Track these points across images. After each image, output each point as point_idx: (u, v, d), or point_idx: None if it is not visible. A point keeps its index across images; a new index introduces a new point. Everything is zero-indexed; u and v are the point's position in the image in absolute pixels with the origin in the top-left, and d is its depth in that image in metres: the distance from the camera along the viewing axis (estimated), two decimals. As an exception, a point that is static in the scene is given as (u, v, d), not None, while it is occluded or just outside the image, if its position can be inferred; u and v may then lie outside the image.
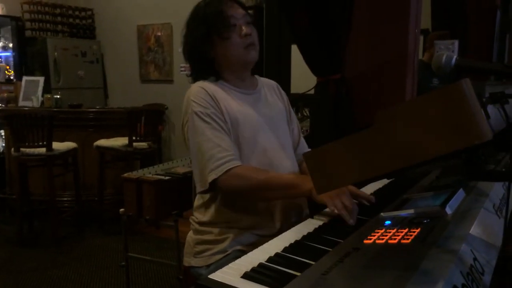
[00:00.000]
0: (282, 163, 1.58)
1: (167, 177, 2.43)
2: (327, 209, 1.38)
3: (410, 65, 2.15)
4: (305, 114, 3.63)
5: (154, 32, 6.18)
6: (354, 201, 1.37)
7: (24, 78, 5.03)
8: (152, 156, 4.40)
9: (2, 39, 6.02)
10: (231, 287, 0.86)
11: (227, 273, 0.92)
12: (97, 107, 5.33)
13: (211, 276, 0.89)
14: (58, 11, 6.44)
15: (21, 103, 4.84)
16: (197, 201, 1.61)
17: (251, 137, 1.52)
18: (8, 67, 5.86)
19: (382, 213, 1.15)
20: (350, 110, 2.33)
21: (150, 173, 2.51)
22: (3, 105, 4.96)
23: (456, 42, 1.17)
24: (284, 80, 1.79)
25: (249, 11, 1.60)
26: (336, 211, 1.29)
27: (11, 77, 5.72)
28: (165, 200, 2.41)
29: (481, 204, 1.23)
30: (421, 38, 3.39)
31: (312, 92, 2.48)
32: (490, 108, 0.90)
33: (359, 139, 0.86)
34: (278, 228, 1.51)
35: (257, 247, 1.10)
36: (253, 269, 0.93)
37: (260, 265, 0.96)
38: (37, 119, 3.74)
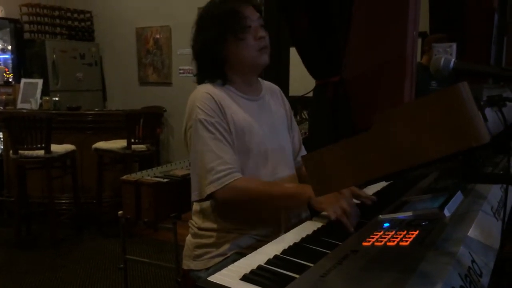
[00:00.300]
0: (283, 171, 1.59)
1: (165, 180, 2.43)
2: (325, 212, 1.38)
3: (409, 68, 2.16)
4: (303, 116, 3.64)
5: (152, 35, 6.19)
6: (356, 201, 1.37)
7: (23, 80, 5.03)
8: (150, 159, 4.39)
9: (1, 42, 6.02)
10: (230, 290, 0.87)
11: (226, 275, 0.92)
12: (96, 109, 5.34)
13: (210, 279, 0.90)
14: (56, 13, 6.44)
15: (19, 105, 4.84)
16: (195, 206, 1.61)
17: (255, 147, 1.51)
18: (6, 70, 5.86)
19: (380, 216, 1.16)
20: (349, 112, 2.33)
21: (148, 175, 2.51)
22: (2, 108, 4.96)
23: (454, 45, 1.18)
24: (282, 83, 1.79)
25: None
26: (334, 217, 1.28)
27: (10, 80, 5.72)
28: (163, 202, 2.40)
29: (479, 207, 1.24)
30: (419, 41, 3.40)
31: (310, 94, 2.48)
32: (488, 111, 0.91)
33: (358, 141, 0.87)
34: (277, 231, 1.51)
35: (256, 250, 1.11)
36: (252, 271, 0.94)
37: (259, 267, 0.96)
38: (36, 121, 3.73)
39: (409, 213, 1.09)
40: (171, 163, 2.93)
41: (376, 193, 1.61)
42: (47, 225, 3.98)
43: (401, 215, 1.10)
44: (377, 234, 1.03)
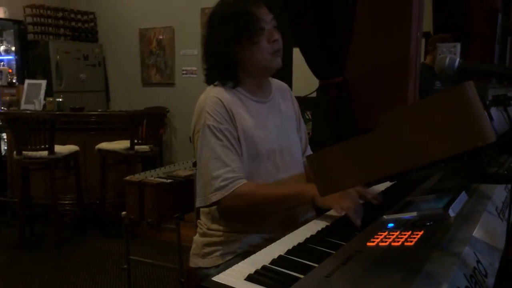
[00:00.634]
0: (293, 170, 1.60)
1: (169, 180, 2.43)
2: (330, 212, 1.38)
3: (412, 68, 2.16)
4: (307, 117, 3.63)
5: (156, 36, 6.19)
6: (360, 201, 1.38)
7: (26, 81, 5.05)
8: (153, 159, 4.40)
9: (5, 43, 6.04)
10: (235, 290, 0.86)
11: (231, 276, 0.92)
12: (99, 110, 5.34)
13: (215, 279, 0.89)
14: (60, 14, 6.45)
15: (23, 106, 4.85)
16: (203, 208, 1.61)
17: (264, 151, 1.51)
18: (10, 71, 5.87)
19: (385, 216, 1.15)
20: (352, 113, 2.33)
21: (152, 176, 2.51)
22: (5, 109, 4.97)
23: (459, 45, 1.17)
24: (285, 83, 1.80)
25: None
26: (342, 213, 1.28)
27: (14, 81, 5.73)
28: (166, 203, 2.41)
29: (484, 207, 1.23)
30: (423, 41, 3.40)
31: (314, 95, 2.48)
32: (493, 111, 0.91)
33: (362, 141, 0.86)
34: (286, 231, 1.51)
35: (261, 250, 1.11)
36: (256, 272, 0.93)
37: (264, 267, 0.96)
38: (39, 122, 3.74)
39: (414, 214, 1.09)
40: (174, 163, 2.94)
41: (381, 193, 1.61)
42: (50, 226, 3.98)
43: (405, 215, 1.10)
44: (381, 235, 1.03)
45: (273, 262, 0.99)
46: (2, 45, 5.99)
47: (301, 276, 0.90)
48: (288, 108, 1.69)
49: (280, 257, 1.03)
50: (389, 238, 1.00)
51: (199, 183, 1.46)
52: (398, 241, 0.96)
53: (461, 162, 1.32)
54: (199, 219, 1.66)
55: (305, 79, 2.65)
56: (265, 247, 1.12)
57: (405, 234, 0.99)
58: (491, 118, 0.78)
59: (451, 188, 1.28)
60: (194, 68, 5.90)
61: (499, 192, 1.41)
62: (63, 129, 4.22)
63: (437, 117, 0.75)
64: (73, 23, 6.59)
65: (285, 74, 1.66)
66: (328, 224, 1.30)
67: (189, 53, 5.92)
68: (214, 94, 1.49)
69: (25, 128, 3.72)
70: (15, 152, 3.81)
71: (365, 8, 2.26)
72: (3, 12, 5.79)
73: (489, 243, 1.05)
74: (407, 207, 1.22)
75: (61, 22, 6.49)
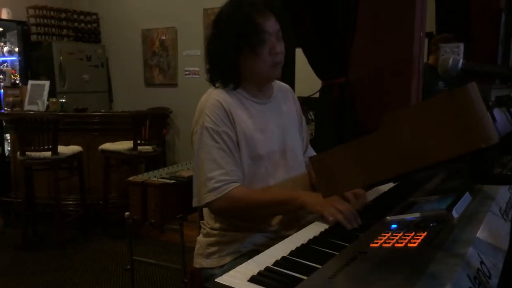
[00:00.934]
0: (295, 171, 1.60)
1: (172, 181, 2.43)
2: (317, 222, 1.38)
3: (415, 68, 2.15)
4: (310, 117, 3.63)
5: (158, 36, 6.20)
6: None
7: (30, 82, 5.06)
8: (156, 160, 4.40)
9: (8, 44, 6.05)
10: (238, 291, 0.87)
11: (234, 277, 0.92)
12: (102, 111, 5.35)
13: (218, 280, 0.90)
14: (63, 15, 6.47)
15: (26, 107, 4.86)
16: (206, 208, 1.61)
17: (265, 153, 1.52)
18: (14, 71, 5.88)
19: (388, 217, 1.15)
20: (355, 113, 2.32)
21: (155, 176, 2.51)
22: (9, 109, 4.98)
23: (462, 45, 1.17)
24: (288, 83, 1.79)
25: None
26: (331, 218, 1.28)
27: (17, 81, 5.74)
28: (170, 203, 2.41)
29: (487, 208, 1.23)
30: (426, 41, 3.39)
31: (317, 95, 2.48)
32: (496, 112, 0.91)
33: (365, 142, 0.86)
34: (290, 230, 1.51)
35: (264, 251, 1.11)
36: (260, 273, 0.94)
37: (267, 268, 0.96)
38: (43, 123, 3.75)
39: (417, 214, 1.09)
40: (177, 164, 2.94)
41: (383, 194, 1.61)
42: (53, 226, 3.99)
43: (409, 216, 1.10)
44: (385, 236, 1.03)
45: (276, 263, 0.99)
46: (5, 46, 6.01)
47: (304, 277, 0.90)
48: (290, 109, 1.69)
49: (283, 258, 1.03)
50: (393, 239, 1.00)
51: (195, 183, 1.49)
52: (402, 242, 0.96)
53: (465, 163, 1.32)
54: (203, 220, 1.66)
55: (308, 80, 2.65)
56: (270, 245, 1.12)
57: (408, 235, 0.99)
58: (494, 119, 0.78)
59: (455, 189, 1.28)
60: (197, 69, 5.90)
61: (502, 193, 1.41)
62: (66, 129, 4.23)
63: (440, 118, 0.75)
64: (76, 24, 6.60)
65: (288, 75, 1.67)
66: (331, 225, 1.30)
67: (192, 54, 5.93)
68: (215, 96, 1.49)
69: (28, 129, 3.73)
70: (18, 153, 3.82)
71: (367, 8, 2.26)
72: (6, 13, 5.81)
73: (493, 244, 1.04)
74: (410, 208, 1.22)
75: (64, 23, 6.50)
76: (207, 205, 1.44)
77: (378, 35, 2.24)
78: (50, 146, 3.76)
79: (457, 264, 0.86)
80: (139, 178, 2.50)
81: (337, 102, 2.34)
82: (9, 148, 5.16)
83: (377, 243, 1.00)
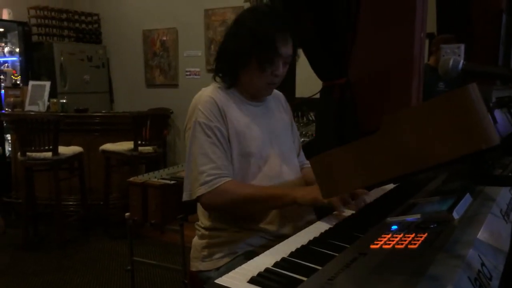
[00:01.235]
0: (288, 175, 1.60)
1: (172, 181, 2.43)
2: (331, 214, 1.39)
3: (416, 69, 2.15)
4: (310, 118, 3.63)
5: (159, 37, 6.21)
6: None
7: (31, 82, 5.06)
8: (157, 160, 4.40)
9: (9, 44, 6.06)
10: (238, 292, 0.86)
11: (234, 278, 0.92)
12: (103, 111, 5.35)
13: (217, 281, 0.89)
14: (64, 16, 6.48)
15: (27, 107, 4.87)
16: (200, 206, 1.62)
17: (256, 151, 1.53)
18: (14, 72, 5.89)
19: (388, 218, 1.15)
20: (355, 114, 2.32)
21: (155, 177, 2.52)
22: (10, 110, 4.99)
23: (462, 46, 1.17)
24: (289, 84, 1.78)
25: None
26: (326, 202, 1.31)
27: (18, 82, 5.75)
28: (170, 204, 2.41)
29: (488, 209, 1.23)
30: (427, 42, 3.39)
31: (317, 96, 2.47)
32: (497, 113, 0.90)
33: (366, 143, 0.86)
34: (286, 231, 1.52)
35: (266, 249, 1.11)
36: (259, 274, 0.93)
37: (267, 270, 0.96)
38: (43, 123, 3.75)
39: (418, 216, 1.08)
40: (178, 165, 2.94)
41: (384, 195, 1.60)
42: (54, 227, 4.00)
43: (409, 217, 1.10)
44: (385, 237, 1.02)
45: (276, 264, 0.99)
46: (6, 46, 6.01)
47: (304, 278, 0.89)
48: (282, 115, 1.72)
49: (283, 259, 1.02)
50: (393, 240, 0.99)
51: (187, 177, 1.50)
52: (402, 244, 0.96)
53: (466, 164, 1.32)
54: (197, 221, 1.66)
55: (308, 80, 2.65)
56: (265, 246, 1.12)
57: (409, 237, 0.99)
58: (495, 121, 0.77)
59: (455, 190, 1.28)
60: (198, 69, 5.90)
61: (503, 194, 1.40)
62: (67, 130, 4.23)
63: (440, 119, 0.74)
64: (77, 25, 6.61)
65: (289, 75, 1.67)
66: (331, 226, 1.30)
67: (192, 54, 5.93)
68: (208, 93, 1.52)
69: (29, 129, 3.73)
70: (19, 153, 3.83)
71: (368, 9, 2.26)
72: (7, 14, 5.82)
73: (494, 246, 1.04)
74: (411, 209, 1.22)
75: (65, 23, 6.51)
76: (198, 199, 1.45)
77: (379, 35, 2.24)
78: (51, 147, 3.77)
79: (457, 265, 0.86)
80: (140, 178, 2.51)
81: (337, 103, 2.33)
82: (9, 149, 5.17)
83: (377, 244, 0.99)
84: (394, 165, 0.82)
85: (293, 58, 1.55)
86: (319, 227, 1.29)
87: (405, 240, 0.97)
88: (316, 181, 0.96)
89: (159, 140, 4.37)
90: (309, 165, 1.60)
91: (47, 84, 4.98)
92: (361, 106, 2.32)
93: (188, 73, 6.02)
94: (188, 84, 5.99)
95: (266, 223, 1.53)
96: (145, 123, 4.15)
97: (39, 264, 3.55)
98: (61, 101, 4.84)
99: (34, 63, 6.06)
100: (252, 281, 0.90)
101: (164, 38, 6.17)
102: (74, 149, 4.08)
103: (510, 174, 1.37)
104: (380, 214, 1.27)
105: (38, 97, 4.86)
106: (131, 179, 2.53)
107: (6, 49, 5.98)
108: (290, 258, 1.03)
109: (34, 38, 6.18)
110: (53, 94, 5.27)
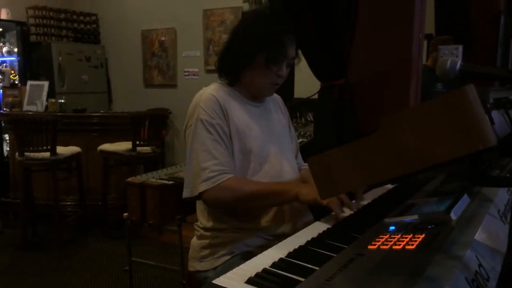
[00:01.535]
0: (288, 175, 1.61)
1: (170, 182, 2.44)
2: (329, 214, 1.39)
3: (414, 70, 2.15)
4: (309, 119, 3.63)
5: (158, 37, 6.20)
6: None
7: (29, 82, 5.06)
8: (155, 161, 4.40)
9: (7, 44, 6.05)
10: (235, 293, 0.86)
11: (231, 278, 0.92)
12: (101, 111, 5.35)
13: (215, 282, 0.89)
14: (62, 16, 6.47)
15: (25, 107, 4.86)
16: (199, 205, 1.62)
17: (256, 149, 1.53)
18: (13, 72, 5.88)
19: (386, 219, 1.15)
20: (354, 115, 2.32)
21: (153, 177, 2.52)
22: (8, 110, 4.99)
23: (460, 47, 1.17)
24: (287, 85, 1.78)
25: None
26: (325, 203, 1.31)
27: (16, 82, 5.74)
28: (168, 204, 2.41)
29: (486, 210, 1.23)
30: (425, 43, 3.39)
31: (315, 97, 2.48)
32: (495, 114, 0.90)
33: (364, 144, 0.86)
34: (284, 231, 1.52)
35: (264, 249, 1.11)
36: (257, 275, 0.93)
37: (264, 270, 0.96)
38: (42, 123, 3.75)
39: (415, 216, 1.08)
40: (176, 165, 2.94)
41: (382, 196, 1.61)
42: (52, 227, 3.99)
43: (407, 218, 1.10)
44: (383, 238, 1.03)
45: (274, 265, 0.99)
46: (4, 46, 6.00)
47: (302, 279, 0.89)
48: (280, 116, 1.74)
49: (281, 260, 1.02)
50: (391, 241, 0.99)
51: (188, 175, 1.49)
52: (400, 244, 0.96)
53: (463, 165, 1.32)
54: (196, 221, 1.67)
55: (307, 81, 2.65)
56: (263, 246, 1.12)
57: (406, 237, 0.99)
58: (492, 122, 0.78)
59: (453, 191, 1.28)
60: (196, 70, 5.90)
61: (501, 195, 1.40)
62: (65, 130, 4.23)
63: (438, 120, 0.74)
64: (75, 25, 6.60)
65: (287, 76, 1.67)
66: (329, 226, 1.30)
67: (191, 55, 5.93)
68: (210, 91, 1.53)
69: (27, 129, 3.73)
70: (17, 153, 3.82)
71: (366, 10, 2.26)
72: (5, 14, 5.81)
73: (491, 247, 1.04)
74: (409, 210, 1.22)
75: (63, 23, 6.50)
76: (200, 195, 1.44)
77: (377, 36, 2.24)
78: (49, 147, 3.76)
79: (455, 266, 0.86)
80: (138, 179, 2.51)
81: (336, 103, 2.34)
82: (8, 149, 5.16)
83: (375, 245, 1.00)
84: (392, 166, 0.82)
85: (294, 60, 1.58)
86: (317, 228, 1.29)
87: (403, 241, 0.97)
88: (314, 181, 0.96)
89: (158, 141, 4.37)
90: (307, 167, 1.62)
91: (45, 84, 4.98)
92: (359, 106, 2.32)
93: (186, 74, 6.02)
94: (186, 84, 5.99)
95: (265, 223, 1.53)
96: (143, 123, 4.15)
97: (38, 264, 3.55)
98: (59, 101, 4.84)
99: (33, 63, 6.06)
100: (249, 281, 0.90)
101: (163, 38, 6.16)
102: (72, 149, 4.07)
103: (507, 175, 1.37)
104: (378, 214, 1.27)
105: (36, 97, 4.85)
106: (129, 179, 2.53)
107: (4, 49, 5.97)
108: (288, 259, 1.03)
109: (33, 38, 6.18)
110: (51, 94, 5.26)
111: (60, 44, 6.19)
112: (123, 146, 4.14)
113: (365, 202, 1.52)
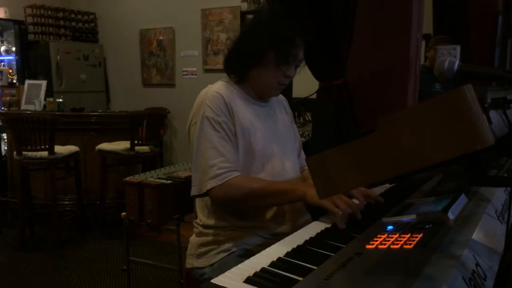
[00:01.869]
0: (289, 174, 1.61)
1: (168, 181, 2.43)
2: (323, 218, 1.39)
3: (412, 70, 2.15)
4: (307, 118, 3.63)
5: (156, 36, 6.20)
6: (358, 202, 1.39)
7: (27, 81, 5.05)
8: (153, 160, 4.40)
9: (5, 43, 6.04)
10: (234, 292, 0.86)
11: (230, 278, 0.92)
12: (99, 110, 5.34)
13: (213, 281, 0.90)
14: (61, 15, 6.46)
15: (23, 106, 4.86)
16: (199, 202, 1.62)
17: (260, 148, 1.54)
18: (10, 71, 5.87)
19: (384, 218, 1.16)
20: (352, 115, 2.33)
21: (152, 177, 2.51)
22: (6, 109, 4.98)
23: (458, 47, 1.17)
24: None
25: None
26: (336, 210, 1.29)
27: (14, 81, 5.73)
28: (166, 204, 2.41)
29: (483, 210, 1.23)
30: (423, 43, 3.39)
31: (314, 96, 2.48)
32: (492, 114, 0.91)
33: (362, 144, 0.86)
34: (283, 230, 1.52)
35: (263, 248, 1.11)
36: (255, 274, 0.94)
37: (263, 269, 0.96)
38: (40, 122, 3.74)
39: (413, 216, 1.09)
40: (174, 164, 2.94)
41: (380, 196, 1.61)
42: (50, 227, 3.99)
43: (405, 217, 1.10)
44: (381, 237, 1.03)
45: (272, 264, 0.99)
46: (2, 45, 6.00)
47: (300, 278, 0.90)
48: (284, 116, 1.74)
49: (279, 259, 1.03)
50: (388, 240, 1.00)
51: (196, 172, 1.49)
52: (397, 244, 0.96)
53: (461, 165, 1.32)
54: (195, 219, 1.67)
55: (305, 81, 2.65)
56: (262, 244, 1.12)
57: (404, 237, 0.99)
58: (489, 121, 0.78)
59: (451, 191, 1.29)
60: (195, 69, 5.90)
61: (498, 195, 1.41)
62: (63, 129, 4.22)
63: (436, 120, 0.75)
64: (73, 24, 6.59)
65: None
66: (327, 226, 1.31)
67: (189, 54, 5.93)
68: (215, 89, 1.52)
69: (25, 129, 3.72)
70: (15, 153, 3.82)
71: (365, 10, 2.26)
72: (3, 12, 5.80)
73: (489, 246, 1.05)
74: (407, 210, 1.22)
75: (61, 22, 6.49)
76: (207, 192, 1.44)
77: (376, 36, 2.25)
78: (47, 146, 3.76)
79: (452, 266, 0.87)
80: (136, 178, 2.50)
81: (334, 103, 2.34)
82: (5, 148, 5.15)
83: (373, 244, 1.00)
84: (390, 165, 0.82)
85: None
86: (315, 227, 1.30)
87: (401, 240, 0.98)
88: (313, 180, 0.96)
89: (156, 140, 4.37)
90: (310, 167, 1.61)
91: (43, 83, 4.97)
92: (358, 106, 2.32)
93: (184, 73, 6.02)
94: (184, 84, 5.98)
95: (264, 222, 1.53)
96: (141, 123, 4.15)
97: (36, 264, 3.54)
98: (58, 100, 4.83)
99: (31, 62, 6.05)
100: (248, 281, 0.91)
101: (161, 38, 6.16)
102: (70, 148, 4.07)
103: (505, 174, 1.38)
104: (376, 214, 1.28)
105: (34, 96, 4.85)
106: (128, 178, 2.53)
107: (2, 48, 5.97)
108: (286, 258, 1.03)
109: (31, 37, 6.17)
110: (49, 93, 5.25)
111: (58, 43, 6.18)
112: (121, 145, 4.14)
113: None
